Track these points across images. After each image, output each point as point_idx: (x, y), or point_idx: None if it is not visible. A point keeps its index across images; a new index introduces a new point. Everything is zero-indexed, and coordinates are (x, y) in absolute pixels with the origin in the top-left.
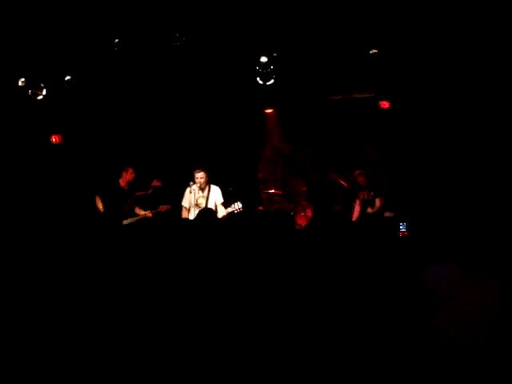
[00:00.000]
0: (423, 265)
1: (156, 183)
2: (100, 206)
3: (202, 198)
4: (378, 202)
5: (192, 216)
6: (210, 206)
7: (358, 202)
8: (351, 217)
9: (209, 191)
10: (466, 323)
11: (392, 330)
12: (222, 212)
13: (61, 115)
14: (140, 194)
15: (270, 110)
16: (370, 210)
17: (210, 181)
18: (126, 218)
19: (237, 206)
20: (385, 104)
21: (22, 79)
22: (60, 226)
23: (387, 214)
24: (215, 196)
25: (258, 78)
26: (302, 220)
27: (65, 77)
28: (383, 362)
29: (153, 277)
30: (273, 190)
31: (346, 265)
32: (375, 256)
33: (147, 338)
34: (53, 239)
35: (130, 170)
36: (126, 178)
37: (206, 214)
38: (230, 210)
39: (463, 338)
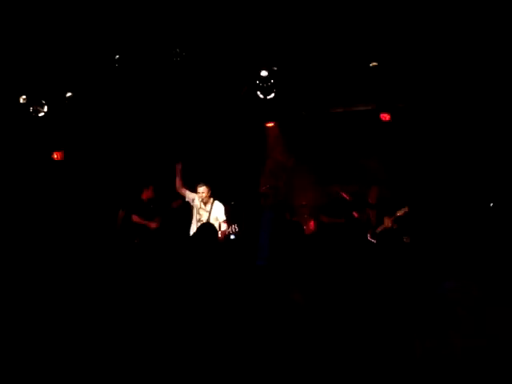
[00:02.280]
0: (437, 277)
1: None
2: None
3: (203, 210)
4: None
5: (194, 229)
6: (212, 221)
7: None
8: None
9: (211, 207)
10: (482, 340)
11: (410, 336)
12: (223, 229)
13: (62, 132)
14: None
15: (271, 124)
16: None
17: (213, 196)
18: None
19: (233, 229)
20: (385, 116)
21: (24, 96)
22: (62, 242)
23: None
24: (217, 213)
25: (258, 92)
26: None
27: (66, 93)
28: (399, 366)
29: (153, 286)
30: None
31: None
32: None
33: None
34: (54, 256)
35: (151, 188)
36: (147, 194)
37: (207, 228)
38: (227, 231)
39: (476, 353)
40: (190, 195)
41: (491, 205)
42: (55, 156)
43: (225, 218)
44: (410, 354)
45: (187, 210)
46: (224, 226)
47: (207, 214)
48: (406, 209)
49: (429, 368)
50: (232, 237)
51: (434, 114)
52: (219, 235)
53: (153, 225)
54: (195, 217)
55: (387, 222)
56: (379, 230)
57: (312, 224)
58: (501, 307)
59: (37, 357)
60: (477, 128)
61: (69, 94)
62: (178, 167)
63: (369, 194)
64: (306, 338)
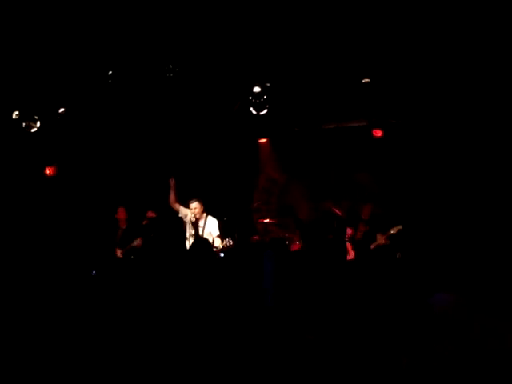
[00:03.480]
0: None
1: (150, 214)
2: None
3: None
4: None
5: (187, 245)
6: (205, 237)
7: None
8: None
9: (205, 222)
10: (469, 353)
11: (397, 353)
12: (217, 244)
13: (55, 147)
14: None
15: (263, 140)
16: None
17: (206, 211)
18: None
19: (227, 243)
20: (378, 132)
21: (16, 112)
22: (55, 259)
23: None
24: (211, 228)
25: (251, 108)
26: (297, 248)
27: (59, 109)
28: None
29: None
30: (267, 220)
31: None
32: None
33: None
34: (47, 273)
35: (120, 210)
36: (121, 217)
37: (201, 244)
38: (220, 246)
39: (463, 366)
40: (183, 211)
41: None
42: (48, 171)
43: (218, 233)
44: (397, 367)
45: (180, 225)
46: (218, 241)
47: (201, 229)
48: (400, 227)
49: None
50: (221, 254)
51: (426, 130)
52: (215, 250)
53: (118, 253)
54: (188, 232)
55: (380, 239)
56: (372, 246)
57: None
58: (488, 319)
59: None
60: (470, 144)
61: (61, 110)
62: (172, 182)
63: (362, 210)
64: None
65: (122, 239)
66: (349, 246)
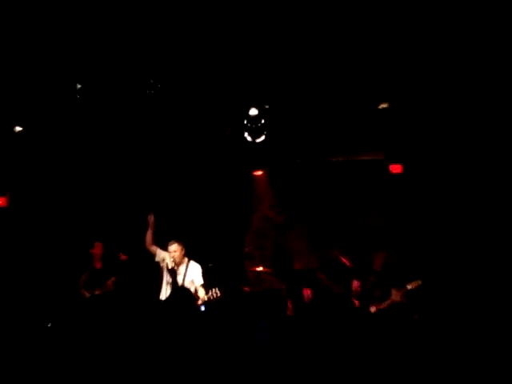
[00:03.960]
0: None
1: (122, 257)
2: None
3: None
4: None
5: (164, 295)
6: (187, 286)
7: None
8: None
9: (186, 268)
10: None
11: None
12: (201, 295)
13: (6, 174)
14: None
15: (259, 172)
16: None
17: (188, 255)
18: None
19: (214, 294)
20: (396, 168)
21: None
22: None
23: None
24: (193, 275)
25: (246, 134)
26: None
27: (14, 128)
28: None
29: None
30: (261, 268)
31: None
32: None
33: None
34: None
35: (97, 245)
36: (97, 253)
37: (181, 293)
38: (205, 297)
39: None
40: (160, 254)
41: None
42: None
43: (202, 282)
44: None
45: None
46: (202, 292)
47: (181, 276)
48: (419, 282)
49: None
50: (202, 308)
51: (452, 166)
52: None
53: (87, 295)
54: (165, 280)
55: (395, 296)
56: (386, 304)
57: (306, 293)
58: None
59: None
60: (501, 185)
61: (18, 129)
62: (150, 219)
63: (374, 259)
64: None
65: (93, 280)
66: (356, 302)
